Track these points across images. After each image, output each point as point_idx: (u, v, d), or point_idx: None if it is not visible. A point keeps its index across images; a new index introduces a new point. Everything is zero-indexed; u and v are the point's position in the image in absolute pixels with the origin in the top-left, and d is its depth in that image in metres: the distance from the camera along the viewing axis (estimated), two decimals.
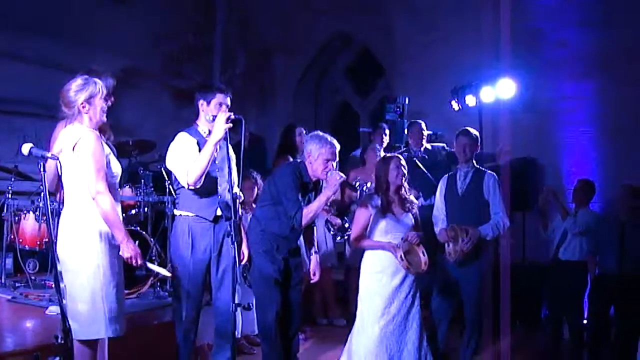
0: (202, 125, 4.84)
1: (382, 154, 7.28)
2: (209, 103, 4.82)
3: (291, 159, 6.81)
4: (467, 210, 5.71)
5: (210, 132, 4.65)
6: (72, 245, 3.87)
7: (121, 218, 4.09)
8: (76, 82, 4.00)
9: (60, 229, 3.96)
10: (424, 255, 5.25)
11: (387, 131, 8.41)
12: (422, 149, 7.93)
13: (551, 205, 6.80)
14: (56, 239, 3.92)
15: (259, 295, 5.12)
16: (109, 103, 4.10)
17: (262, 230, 5.15)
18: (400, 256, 5.15)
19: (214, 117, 4.54)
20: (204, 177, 4.56)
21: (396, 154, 5.49)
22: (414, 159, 7.53)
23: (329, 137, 5.13)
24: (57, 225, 4.02)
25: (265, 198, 5.29)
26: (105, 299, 3.89)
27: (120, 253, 3.97)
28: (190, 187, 4.62)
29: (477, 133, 6.01)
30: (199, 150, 4.63)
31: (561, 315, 6.74)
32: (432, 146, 8.10)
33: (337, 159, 5.15)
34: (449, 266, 5.73)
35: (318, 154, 5.05)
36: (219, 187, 4.68)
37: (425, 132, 8.00)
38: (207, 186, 4.66)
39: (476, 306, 5.71)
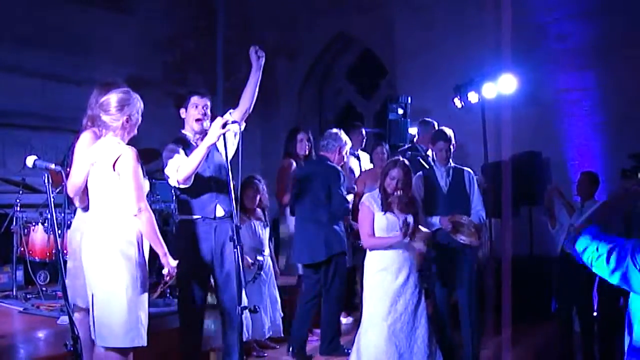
0: (187, 133, 4.98)
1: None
2: (186, 109, 4.97)
3: (294, 163, 6.81)
4: (454, 205, 5.89)
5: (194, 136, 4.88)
6: (110, 256, 3.89)
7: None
8: (119, 95, 4.00)
9: (96, 241, 3.95)
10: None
11: (363, 132, 8.12)
12: None
13: (557, 203, 6.80)
14: (62, 248, 3.95)
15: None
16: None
17: None
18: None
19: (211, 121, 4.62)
20: (193, 176, 4.63)
21: (403, 160, 5.45)
22: (419, 158, 7.50)
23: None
24: (64, 235, 4.05)
25: None
26: (141, 308, 3.96)
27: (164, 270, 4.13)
28: (181, 186, 4.68)
29: (450, 132, 6.13)
30: (186, 152, 4.73)
31: (571, 308, 6.73)
32: None
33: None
34: (444, 258, 5.86)
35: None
36: (215, 187, 4.79)
37: None
38: (203, 186, 4.77)
39: (472, 294, 5.86)
